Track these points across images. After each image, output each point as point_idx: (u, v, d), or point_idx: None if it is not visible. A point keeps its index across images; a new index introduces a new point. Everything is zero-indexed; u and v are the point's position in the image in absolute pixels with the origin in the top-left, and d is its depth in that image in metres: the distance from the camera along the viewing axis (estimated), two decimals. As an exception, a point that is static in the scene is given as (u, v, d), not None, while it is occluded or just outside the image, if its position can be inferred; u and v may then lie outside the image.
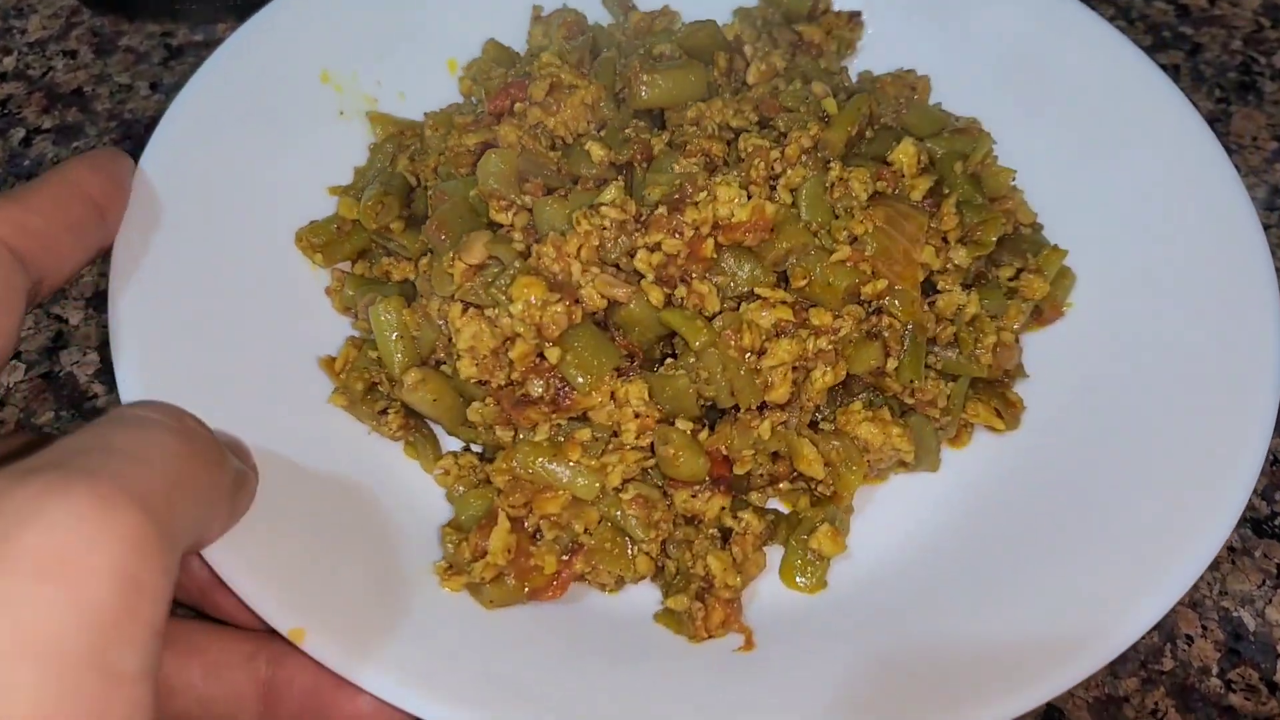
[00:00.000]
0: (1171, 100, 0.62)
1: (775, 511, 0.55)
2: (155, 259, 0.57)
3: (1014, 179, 0.61)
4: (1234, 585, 0.58)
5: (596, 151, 0.57)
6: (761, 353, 0.52)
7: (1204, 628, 0.57)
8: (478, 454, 0.56)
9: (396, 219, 0.60)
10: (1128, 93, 0.63)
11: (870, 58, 0.70)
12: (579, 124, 0.60)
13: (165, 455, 0.36)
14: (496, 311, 0.51)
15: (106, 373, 0.62)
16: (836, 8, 0.70)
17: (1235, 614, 0.57)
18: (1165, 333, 0.58)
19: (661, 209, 0.52)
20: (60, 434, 0.57)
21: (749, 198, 0.53)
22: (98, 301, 0.65)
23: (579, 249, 0.51)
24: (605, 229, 0.52)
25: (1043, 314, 0.60)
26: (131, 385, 0.52)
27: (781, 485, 0.55)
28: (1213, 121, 0.77)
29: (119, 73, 0.76)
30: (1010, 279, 0.59)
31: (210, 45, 0.77)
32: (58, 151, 0.72)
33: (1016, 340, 0.59)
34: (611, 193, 0.53)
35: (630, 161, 0.57)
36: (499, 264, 0.53)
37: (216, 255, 0.59)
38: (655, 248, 0.52)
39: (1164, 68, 0.75)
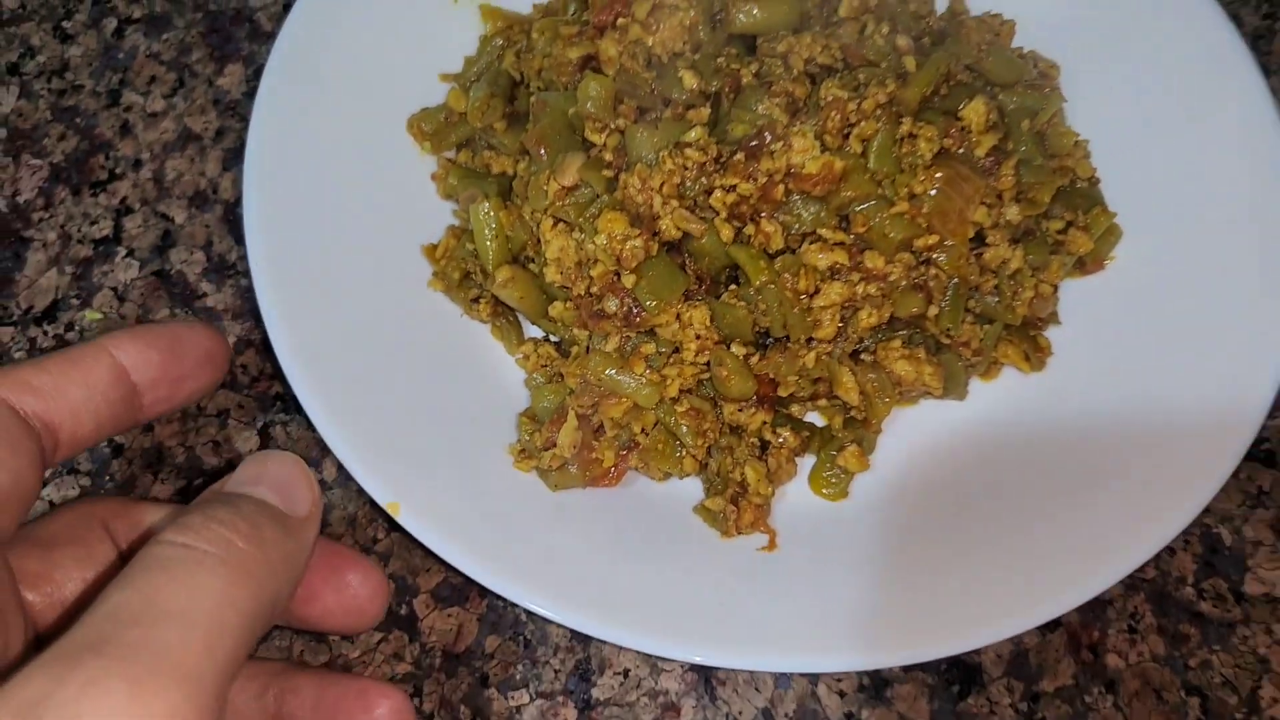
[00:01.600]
0: (1248, 83, 0.64)
1: (811, 425, 0.62)
2: (284, 137, 0.64)
3: (1076, 141, 0.64)
4: (1217, 504, 0.64)
5: (689, 79, 0.61)
6: (815, 293, 0.58)
7: (1185, 541, 0.64)
8: (555, 344, 0.64)
9: (500, 118, 0.66)
10: (1205, 67, 0.65)
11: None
12: (676, 44, 0.64)
13: (212, 604, 0.38)
14: (583, 236, 0.57)
15: (213, 271, 0.68)
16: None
17: (1215, 530, 0.64)
18: (1194, 295, 0.63)
19: (740, 155, 0.57)
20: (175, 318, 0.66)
21: (823, 149, 0.57)
22: (199, 201, 0.70)
23: (661, 184, 0.57)
24: (687, 168, 0.57)
25: (1085, 265, 0.65)
26: (260, 257, 0.60)
27: (820, 402, 0.62)
28: (1257, 39, 0.78)
29: None
30: (1059, 231, 0.64)
31: None
32: (149, 43, 0.75)
33: (1055, 291, 0.64)
34: (696, 133, 0.58)
35: (719, 92, 0.62)
36: (589, 188, 0.59)
37: (339, 136, 0.65)
38: (730, 189, 0.57)
39: None
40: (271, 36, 0.76)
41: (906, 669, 0.59)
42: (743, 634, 0.54)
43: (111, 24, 0.77)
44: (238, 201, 0.71)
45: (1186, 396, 0.60)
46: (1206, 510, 0.64)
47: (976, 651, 0.60)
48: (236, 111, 0.74)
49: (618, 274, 0.58)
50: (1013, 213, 0.61)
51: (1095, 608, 0.61)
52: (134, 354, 0.49)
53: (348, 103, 0.66)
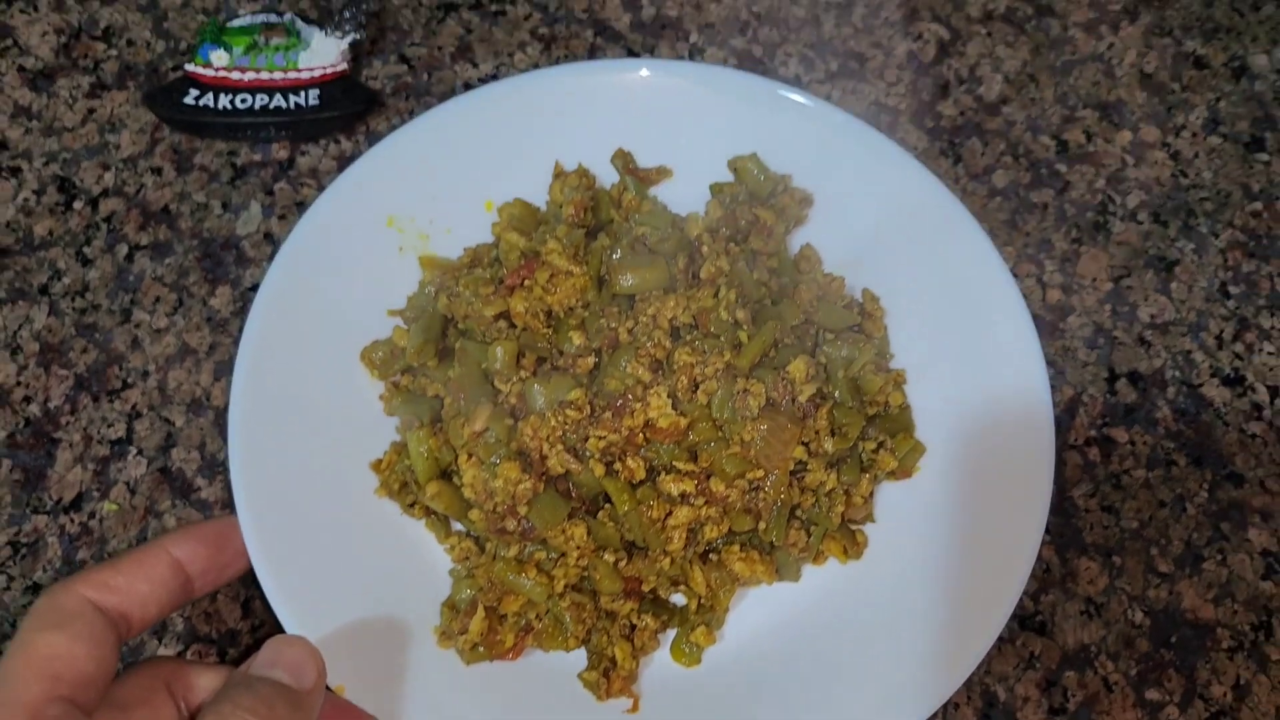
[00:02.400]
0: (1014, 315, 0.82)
1: (671, 608, 0.80)
2: (262, 368, 0.81)
3: (893, 375, 0.82)
4: (995, 666, 0.82)
5: (576, 338, 0.79)
6: (668, 515, 0.76)
7: (969, 697, 0.81)
8: (474, 539, 0.81)
9: (432, 357, 0.83)
10: (987, 310, 0.83)
11: (812, 229, 0.90)
12: (570, 301, 0.81)
13: None
14: (488, 474, 0.75)
15: (206, 468, 0.84)
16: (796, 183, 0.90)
17: (993, 688, 0.81)
18: (975, 490, 0.80)
19: (609, 413, 0.75)
20: (177, 521, 0.83)
21: (675, 404, 0.75)
22: (195, 407, 0.86)
23: (549, 435, 0.75)
24: (568, 423, 0.75)
25: (897, 474, 0.83)
26: (241, 469, 0.77)
27: (681, 587, 0.80)
28: (1064, 261, 0.95)
29: (196, 190, 0.93)
30: (872, 450, 0.81)
31: (267, 165, 0.96)
32: (154, 267, 0.90)
33: (868, 499, 0.81)
34: (575, 394, 0.75)
35: (600, 348, 0.79)
36: (493, 432, 0.76)
37: (308, 370, 0.82)
38: (602, 438, 0.75)
39: (1035, 205, 0.96)
40: (253, 262, 0.94)
41: (740, 803, 0.77)
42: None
43: (123, 249, 0.94)
44: (226, 407, 0.88)
45: (971, 577, 0.78)
46: (987, 671, 0.82)
47: (795, 789, 0.77)
48: (225, 329, 0.91)
49: (514, 506, 0.75)
50: (827, 445, 0.79)
51: (890, 753, 0.79)
52: (187, 550, 0.66)
53: (318, 339, 0.83)
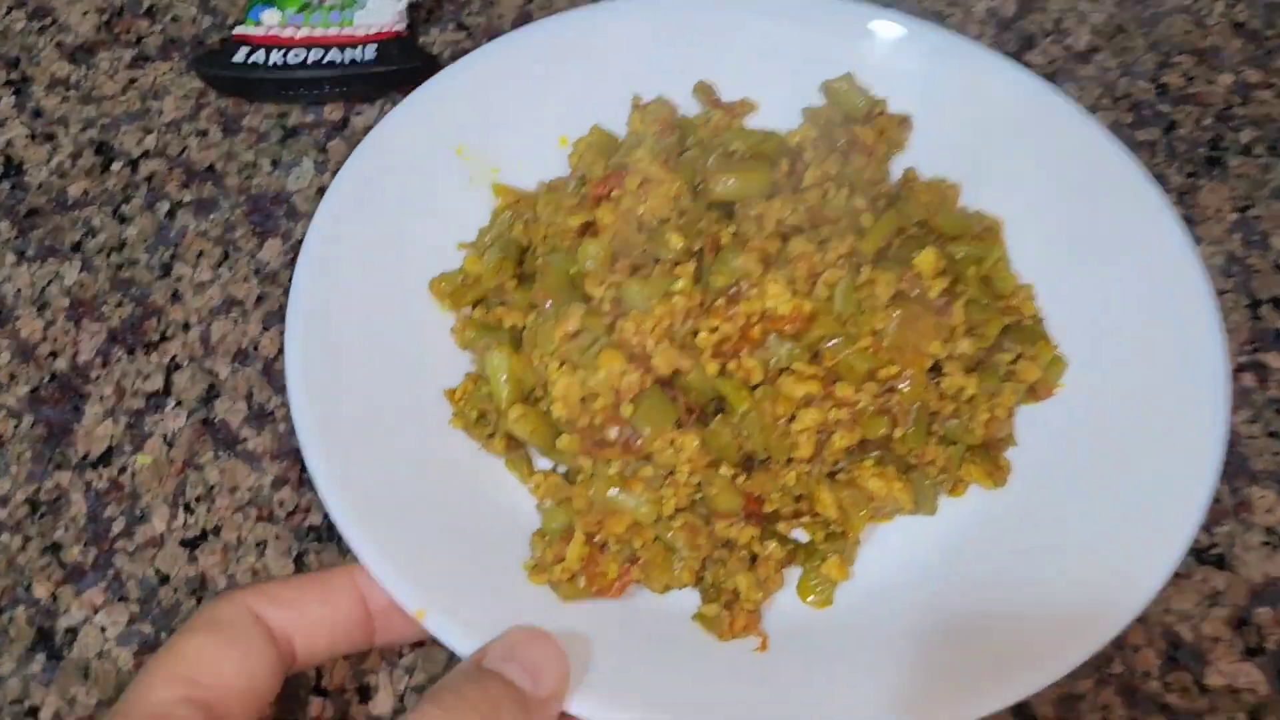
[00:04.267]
0: (1167, 228, 0.73)
1: (796, 541, 0.69)
2: (322, 304, 0.72)
3: (1019, 285, 0.73)
4: (1176, 604, 0.70)
5: (675, 240, 0.71)
6: (792, 418, 0.66)
7: (1149, 639, 0.69)
8: (563, 474, 0.71)
9: (510, 278, 0.75)
10: (1129, 218, 0.75)
11: (915, 155, 0.82)
12: (663, 211, 0.73)
13: None
14: (585, 373, 0.66)
15: (254, 419, 0.75)
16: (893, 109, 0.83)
17: (1175, 628, 0.69)
18: (1131, 408, 0.70)
19: (721, 300, 0.66)
20: (220, 474, 0.74)
21: (793, 294, 0.66)
22: (241, 358, 0.78)
23: (654, 327, 0.65)
24: (675, 313, 0.66)
25: (1036, 391, 0.73)
26: (300, 404, 0.67)
27: (804, 519, 0.69)
28: (1181, 194, 0.88)
29: (243, 151, 0.88)
30: (1010, 362, 0.72)
31: (320, 125, 0.90)
32: (198, 223, 0.84)
33: (1010, 415, 0.71)
34: (682, 282, 0.67)
35: (702, 249, 0.71)
36: (589, 333, 0.67)
37: (369, 302, 0.74)
38: (714, 330, 0.66)
39: (1142, 143, 0.89)
40: (306, 216, 0.86)
41: (892, 764, 0.64)
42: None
43: (165, 207, 0.87)
44: (276, 358, 0.79)
45: (1129, 503, 0.67)
46: (1166, 609, 0.70)
47: (956, 746, 0.65)
48: (275, 280, 0.83)
49: (617, 407, 0.65)
50: (965, 346, 0.69)
51: (1069, 702, 0.67)
52: (370, 581, 0.57)
53: (379, 267, 0.75)
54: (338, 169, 0.87)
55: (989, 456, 0.71)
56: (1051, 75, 0.96)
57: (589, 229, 0.73)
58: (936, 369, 0.70)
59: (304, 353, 0.70)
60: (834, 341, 0.67)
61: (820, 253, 0.68)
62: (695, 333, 0.66)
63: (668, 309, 0.66)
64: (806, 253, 0.68)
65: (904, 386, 0.67)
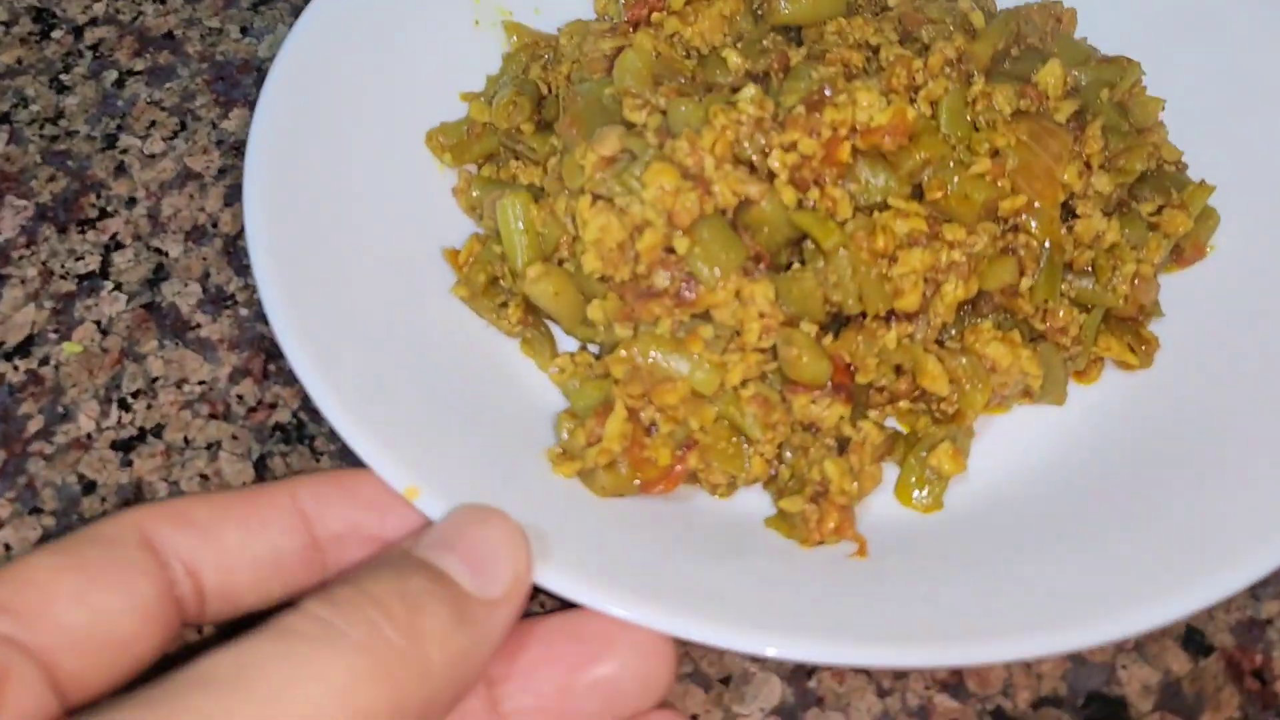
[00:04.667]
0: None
1: (893, 430, 0.54)
2: (289, 153, 0.58)
3: (1163, 109, 0.59)
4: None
5: (733, 59, 0.57)
6: (893, 260, 0.51)
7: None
8: (594, 355, 0.56)
9: (527, 120, 0.61)
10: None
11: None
12: (715, 36, 0.59)
13: (329, 700, 0.33)
14: (628, 200, 0.51)
15: (209, 303, 0.61)
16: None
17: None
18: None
19: (800, 108, 0.51)
20: (165, 364, 0.59)
21: (889, 104, 0.52)
22: (196, 235, 0.64)
23: (714, 144, 0.51)
24: (741, 124, 0.51)
25: (1184, 254, 0.58)
26: (266, 270, 0.53)
27: (901, 404, 0.54)
28: None
29: (208, 17, 0.75)
30: (1152, 214, 0.57)
31: None
32: (150, 91, 0.71)
33: (1155, 275, 0.57)
34: (750, 91, 0.52)
35: (767, 71, 0.57)
36: (632, 157, 0.52)
37: (349, 154, 0.60)
38: (791, 147, 0.51)
39: None
40: (281, 82, 0.72)
41: (1036, 706, 0.49)
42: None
43: (112, 75, 0.73)
44: (239, 235, 0.64)
45: None
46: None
47: (1119, 682, 0.49)
48: (240, 151, 0.69)
49: (668, 248, 0.51)
50: (1103, 181, 0.55)
51: (1253, 628, 0.51)
52: (318, 496, 0.43)
53: (362, 114, 0.61)
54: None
55: (1131, 328, 0.56)
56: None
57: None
58: (1068, 211, 0.55)
59: (268, 204, 0.55)
60: (940, 170, 0.52)
61: (920, 59, 0.53)
62: (766, 153, 0.52)
63: (733, 118, 0.51)
64: (904, 58, 0.53)
65: (1031, 223, 0.53)
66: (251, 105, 0.70)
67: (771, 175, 0.51)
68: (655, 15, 0.60)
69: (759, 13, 0.61)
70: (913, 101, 0.53)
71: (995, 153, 0.52)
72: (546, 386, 0.56)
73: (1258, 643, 0.51)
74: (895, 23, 0.58)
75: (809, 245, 0.52)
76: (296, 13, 0.76)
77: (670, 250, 0.50)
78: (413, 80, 0.63)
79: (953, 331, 0.54)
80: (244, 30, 0.75)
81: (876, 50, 0.57)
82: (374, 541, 0.43)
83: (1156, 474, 0.52)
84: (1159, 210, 0.57)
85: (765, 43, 0.58)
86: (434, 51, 0.65)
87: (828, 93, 0.51)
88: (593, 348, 0.57)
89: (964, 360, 0.52)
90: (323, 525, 0.42)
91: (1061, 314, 0.54)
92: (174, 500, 0.41)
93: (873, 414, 0.54)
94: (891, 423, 0.55)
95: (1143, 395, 0.56)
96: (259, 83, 0.70)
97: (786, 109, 0.52)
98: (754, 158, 0.52)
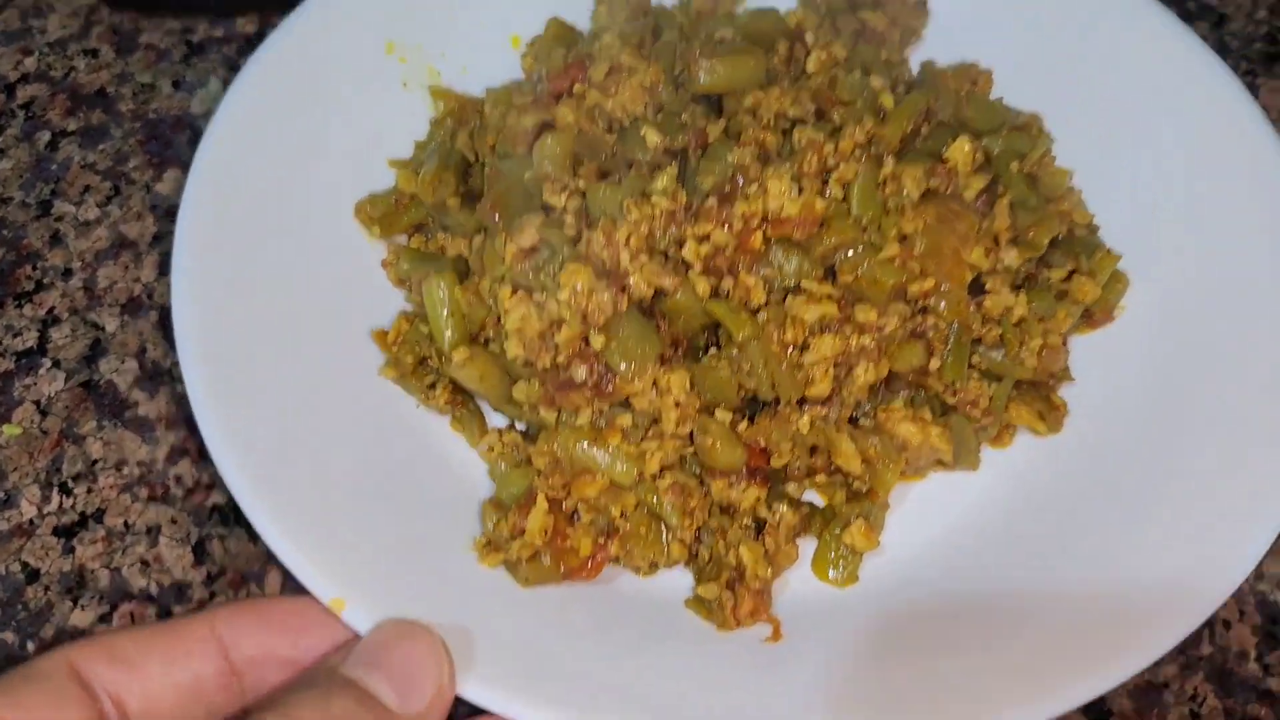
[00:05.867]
0: (1234, 97, 0.61)
1: (810, 504, 0.56)
2: (217, 224, 0.59)
3: (1071, 179, 0.60)
4: (1271, 568, 0.58)
5: (652, 136, 0.57)
6: (804, 348, 0.52)
7: (1241, 613, 0.57)
8: (521, 432, 0.58)
9: (453, 194, 0.61)
10: (1188, 91, 0.62)
11: (933, 46, 0.69)
12: (636, 106, 0.60)
13: None
14: (544, 296, 0.52)
15: (147, 380, 0.63)
16: (904, -9, 0.70)
17: (1272, 597, 0.57)
18: (1216, 335, 0.57)
19: (712, 200, 0.52)
20: (104, 446, 0.60)
21: (800, 191, 0.53)
22: (132, 308, 0.65)
23: (628, 237, 0.52)
24: (655, 218, 0.52)
25: (1093, 316, 0.60)
26: (190, 350, 0.54)
27: (818, 478, 0.56)
28: None
29: (140, 71, 0.75)
30: (1062, 280, 0.59)
31: (231, 40, 0.76)
32: (84, 154, 0.72)
33: (1064, 343, 0.58)
34: (663, 181, 0.53)
35: (685, 148, 0.58)
36: (550, 249, 0.54)
37: (277, 223, 0.60)
38: (704, 239, 0.52)
39: None
40: (214, 140, 0.72)
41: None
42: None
43: (45, 137, 0.73)
44: (177, 304, 0.65)
45: (1218, 451, 0.54)
46: (1260, 576, 0.58)
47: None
48: (174, 216, 0.69)
49: (586, 339, 0.52)
50: (1011, 256, 0.56)
51: (1150, 693, 0.54)
52: (238, 628, 0.45)
53: (289, 187, 0.62)
54: (250, 86, 0.74)
55: (1041, 394, 0.58)
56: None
57: (546, 129, 0.60)
58: (977, 286, 0.56)
59: (194, 292, 0.56)
60: (853, 252, 0.54)
61: (831, 142, 0.54)
62: (681, 243, 0.53)
63: (646, 213, 0.52)
64: (815, 142, 0.54)
65: (940, 305, 0.54)
66: (184, 166, 0.70)
67: (686, 265, 0.53)
68: (577, 87, 0.61)
69: (680, 81, 0.61)
70: (825, 183, 0.55)
71: (904, 237, 0.53)
72: (476, 462, 0.58)
73: (1154, 706, 0.53)
74: (811, 94, 0.58)
75: (724, 330, 0.53)
76: (229, 64, 0.76)
77: (588, 343, 0.52)
78: (342, 148, 0.64)
79: (866, 408, 0.56)
80: (176, 84, 0.75)
81: (792, 126, 0.58)
82: (290, 664, 0.45)
83: (1060, 548, 0.54)
84: (1069, 276, 0.59)
85: (684, 117, 0.58)
86: (363, 116, 0.65)
87: (740, 182, 0.53)
88: (520, 424, 0.58)
89: (875, 440, 0.54)
90: (239, 651, 0.44)
91: (972, 387, 0.56)
92: (101, 636, 0.43)
93: (791, 486, 0.56)
94: (810, 495, 0.57)
95: (1052, 457, 0.58)
96: (192, 142, 0.72)
97: (701, 196, 0.53)
98: (669, 248, 0.53)
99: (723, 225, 0.52)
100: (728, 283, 0.53)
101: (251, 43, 0.77)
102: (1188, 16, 0.79)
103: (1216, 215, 0.59)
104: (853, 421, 0.55)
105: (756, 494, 0.53)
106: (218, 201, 0.59)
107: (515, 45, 0.70)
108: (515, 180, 0.57)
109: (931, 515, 0.57)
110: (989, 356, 0.57)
